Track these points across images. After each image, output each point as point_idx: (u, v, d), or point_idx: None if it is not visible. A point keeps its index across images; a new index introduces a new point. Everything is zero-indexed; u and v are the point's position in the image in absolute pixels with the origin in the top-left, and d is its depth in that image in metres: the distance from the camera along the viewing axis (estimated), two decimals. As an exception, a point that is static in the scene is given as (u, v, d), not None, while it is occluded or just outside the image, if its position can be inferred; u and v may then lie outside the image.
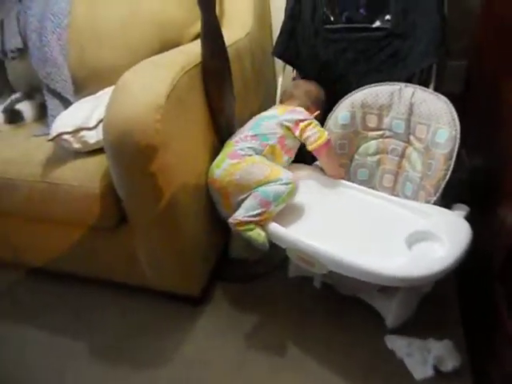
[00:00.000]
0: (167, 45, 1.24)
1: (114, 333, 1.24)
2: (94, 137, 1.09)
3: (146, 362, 1.15)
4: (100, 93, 1.24)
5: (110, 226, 1.13)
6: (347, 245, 0.99)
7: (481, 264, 1.04)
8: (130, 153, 0.94)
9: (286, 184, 1.08)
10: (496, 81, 1.12)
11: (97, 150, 1.11)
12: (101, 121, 1.06)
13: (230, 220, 1.08)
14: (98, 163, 1.09)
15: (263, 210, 1.05)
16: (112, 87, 0.99)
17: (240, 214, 1.07)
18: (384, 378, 1.03)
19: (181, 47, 1.21)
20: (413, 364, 1.04)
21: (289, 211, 1.12)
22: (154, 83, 0.96)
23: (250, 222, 1.06)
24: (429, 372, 1.01)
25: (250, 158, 1.12)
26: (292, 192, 1.09)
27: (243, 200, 1.09)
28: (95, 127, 1.09)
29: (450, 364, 1.01)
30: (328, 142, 1.17)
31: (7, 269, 1.47)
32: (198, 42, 1.12)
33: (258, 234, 1.06)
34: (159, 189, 0.99)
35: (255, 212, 1.05)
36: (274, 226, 1.06)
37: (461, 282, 1.21)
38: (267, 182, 1.08)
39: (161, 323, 1.25)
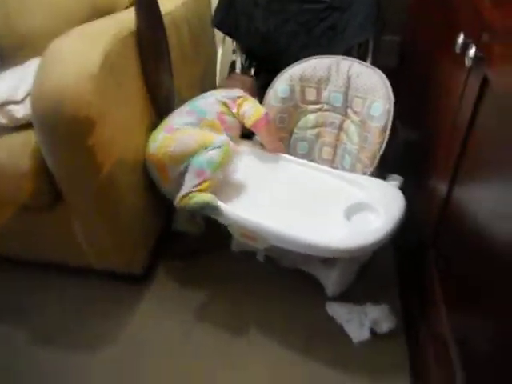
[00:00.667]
0: (100, 12, 1.17)
1: (54, 315, 1.20)
2: (21, 111, 1.02)
3: (87, 343, 1.12)
4: (27, 63, 1.15)
5: (44, 204, 1.07)
6: (288, 218, 1.01)
7: (415, 231, 1.09)
8: (60, 127, 0.89)
9: (219, 147, 1.06)
10: (428, 55, 1.16)
11: (25, 125, 1.03)
12: (29, 93, 0.99)
13: (175, 204, 1.06)
14: (27, 139, 1.02)
15: (200, 179, 1.04)
16: (40, 57, 0.93)
17: (182, 191, 1.05)
18: (325, 343, 1.07)
19: (113, 15, 1.15)
20: (351, 328, 1.08)
21: (229, 187, 1.13)
22: (85, 52, 0.91)
23: (190, 193, 1.04)
24: (365, 334, 1.06)
25: (185, 130, 1.10)
26: (227, 154, 1.08)
27: (181, 174, 1.07)
28: (23, 100, 1.01)
29: (385, 326, 1.07)
30: (265, 116, 1.17)
31: None
32: (132, 10, 1.07)
33: (201, 196, 1.02)
34: (93, 164, 0.95)
35: (193, 183, 1.03)
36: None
37: (397, 248, 1.27)
38: (201, 149, 1.06)
39: (102, 304, 1.22)
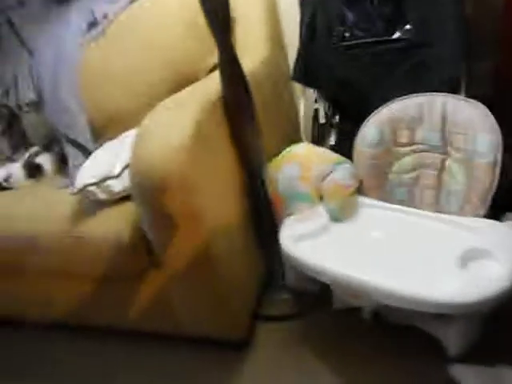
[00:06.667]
0: (183, 81, 1.27)
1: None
2: (119, 185, 1.12)
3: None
4: (120, 137, 1.28)
5: (142, 273, 1.15)
6: (393, 272, 0.99)
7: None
8: (158, 198, 0.97)
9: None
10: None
11: (123, 198, 1.14)
12: (125, 167, 1.10)
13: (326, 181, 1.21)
14: (125, 211, 1.12)
15: (353, 183, 1.23)
16: (132, 131, 1.04)
17: (335, 177, 1.21)
18: (453, 413, 1.02)
19: (199, 83, 1.25)
20: (483, 396, 1.02)
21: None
22: (176, 123, 1.00)
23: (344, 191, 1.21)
24: (502, 403, 1.00)
25: None
26: None
27: (321, 176, 1.22)
28: (120, 175, 1.12)
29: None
30: None
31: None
32: (216, 74, 1.16)
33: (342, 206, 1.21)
34: (189, 232, 1.02)
35: (348, 182, 1.22)
36: (315, 261, 1.06)
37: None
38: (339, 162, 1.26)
39: (201, 373, 1.24)
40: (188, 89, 1.19)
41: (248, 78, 1.19)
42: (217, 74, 1.16)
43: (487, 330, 1.10)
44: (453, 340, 1.08)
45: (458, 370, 1.08)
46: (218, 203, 1.11)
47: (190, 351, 1.30)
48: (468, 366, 1.08)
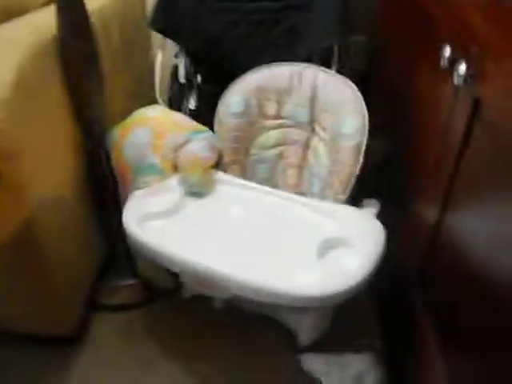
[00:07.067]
0: (6, 12, 1.03)
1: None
2: None
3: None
4: None
5: None
6: (250, 263, 0.93)
7: (397, 265, 1.06)
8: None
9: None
10: (405, 65, 1.14)
11: None
12: None
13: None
14: None
15: (212, 155, 1.14)
16: None
17: (191, 148, 1.12)
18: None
19: (26, 17, 1.02)
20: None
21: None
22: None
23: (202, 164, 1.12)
24: (349, 390, 1.02)
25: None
26: None
27: (177, 146, 1.12)
28: None
29: (369, 378, 1.02)
30: None
31: None
32: (50, 9, 0.97)
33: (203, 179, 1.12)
34: (11, 207, 0.89)
35: (207, 154, 1.13)
36: (162, 247, 0.96)
37: (375, 286, 1.24)
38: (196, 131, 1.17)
39: (21, 375, 1.08)
40: (11, 24, 0.97)
41: (92, 18, 1.02)
42: (52, 9, 0.96)
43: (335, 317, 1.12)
44: (305, 330, 1.08)
45: (307, 360, 1.08)
46: (47, 170, 0.97)
47: (9, 349, 1.11)
48: (317, 355, 1.08)
